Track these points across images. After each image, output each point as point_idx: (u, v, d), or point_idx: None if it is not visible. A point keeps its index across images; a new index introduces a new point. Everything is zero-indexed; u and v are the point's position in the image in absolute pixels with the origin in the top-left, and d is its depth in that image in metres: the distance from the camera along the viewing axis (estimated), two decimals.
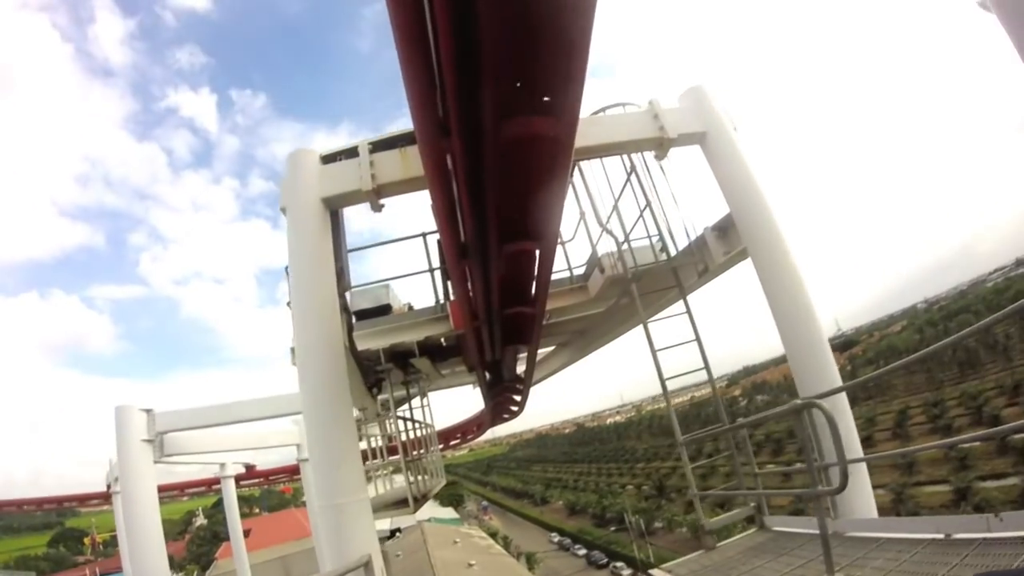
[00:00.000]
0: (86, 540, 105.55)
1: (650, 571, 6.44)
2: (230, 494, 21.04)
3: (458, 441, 30.57)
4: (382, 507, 8.70)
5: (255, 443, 19.06)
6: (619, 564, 56.46)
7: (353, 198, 7.39)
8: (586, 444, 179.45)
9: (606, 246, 8.75)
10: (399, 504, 8.64)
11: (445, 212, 4.73)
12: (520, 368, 12.64)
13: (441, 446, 27.09)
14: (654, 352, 7.84)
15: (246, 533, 60.12)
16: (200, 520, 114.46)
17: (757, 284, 7.61)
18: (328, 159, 7.59)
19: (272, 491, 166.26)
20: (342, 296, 7.51)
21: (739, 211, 7.78)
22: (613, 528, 65.49)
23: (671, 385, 8.22)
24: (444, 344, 9.79)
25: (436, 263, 8.97)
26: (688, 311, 8.11)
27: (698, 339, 8.02)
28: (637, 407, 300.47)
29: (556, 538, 77.93)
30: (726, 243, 8.33)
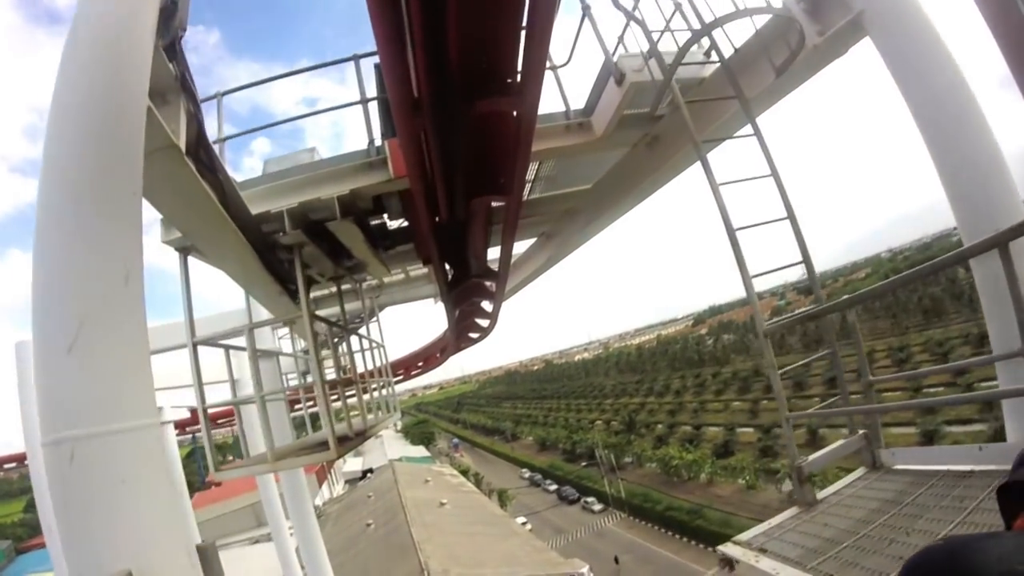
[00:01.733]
0: None
1: (722, 548, 4.46)
2: (170, 445, 17.72)
3: (419, 370, 25.61)
4: (293, 453, 6.08)
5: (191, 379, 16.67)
6: (590, 499, 57.05)
7: None
8: (555, 381, 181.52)
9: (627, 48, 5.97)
10: (317, 448, 5.68)
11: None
12: (491, 260, 9.21)
13: (400, 376, 25.18)
14: (716, 188, 5.39)
15: (219, 483, 59.63)
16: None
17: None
18: None
19: None
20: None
21: None
22: (584, 464, 65.96)
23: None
24: (387, 224, 7.39)
25: (370, 93, 6.12)
26: (758, 133, 5.52)
27: (775, 174, 5.50)
28: (604, 344, 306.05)
29: (527, 474, 78.75)
30: (821, 19, 5.20)
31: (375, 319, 11.22)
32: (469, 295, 10.46)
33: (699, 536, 40.62)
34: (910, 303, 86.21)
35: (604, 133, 6.16)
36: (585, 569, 35.99)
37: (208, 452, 4.75)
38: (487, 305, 12.92)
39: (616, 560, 42.24)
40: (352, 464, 78.59)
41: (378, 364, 9.64)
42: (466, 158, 4.70)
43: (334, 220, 5.65)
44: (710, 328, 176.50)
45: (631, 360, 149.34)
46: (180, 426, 23.21)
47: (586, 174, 8.51)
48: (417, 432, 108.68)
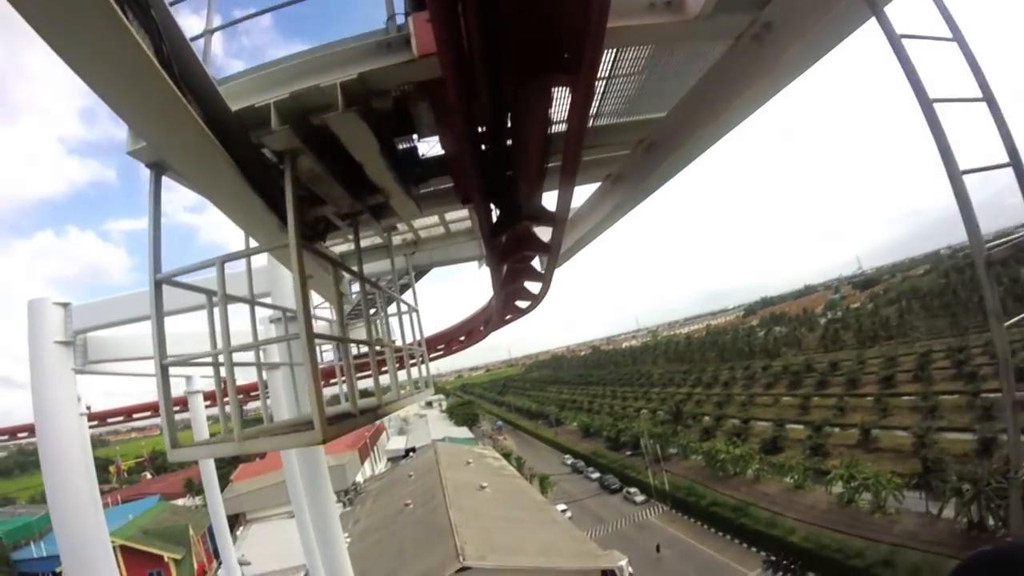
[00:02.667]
0: (111, 468, 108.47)
1: None
2: (198, 416, 17.23)
3: (461, 344, 22.30)
4: (267, 433, 4.75)
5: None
6: (632, 489, 56.29)
7: None
8: (601, 367, 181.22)
9: None
10: (300, 427, 4.32)
11: None
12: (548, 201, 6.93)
13: (440, 351, 23.96)
14: (897, 41, 4.24)
15: (262, 455, 60.94)
16: None
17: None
18: None
19: None
20: None
21: None
22: (628, 452, 65.15)
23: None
24: (417, 150, 5.76)
25: None
26: None
27: (960, 39, 4.32)
28: (653, 332, 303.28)
29: (569, 460, 78.27)
30: None
31: (406, 279, 10.53)
32: (519, 246, 8.52)
33: (743, 535, 39.61)
34: (970, 302, 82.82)
35: (701, 12, 4.48)
36: (624, 562, 35.43)
37: (165, 428, 3.99)
38: (539, 264, 10.99)
39: (658, 548, 42.12)
40: (396, 442, 79.68)
41: (410, 332, 8.78)
42: (518, 23, 3.49)
43: (334, 111, 4.11)
44: (761, 320, 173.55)
45: (679, 349, 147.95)
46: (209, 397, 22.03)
47: (667, 92, 6.25)
48: (461, 413, 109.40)
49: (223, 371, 4.28)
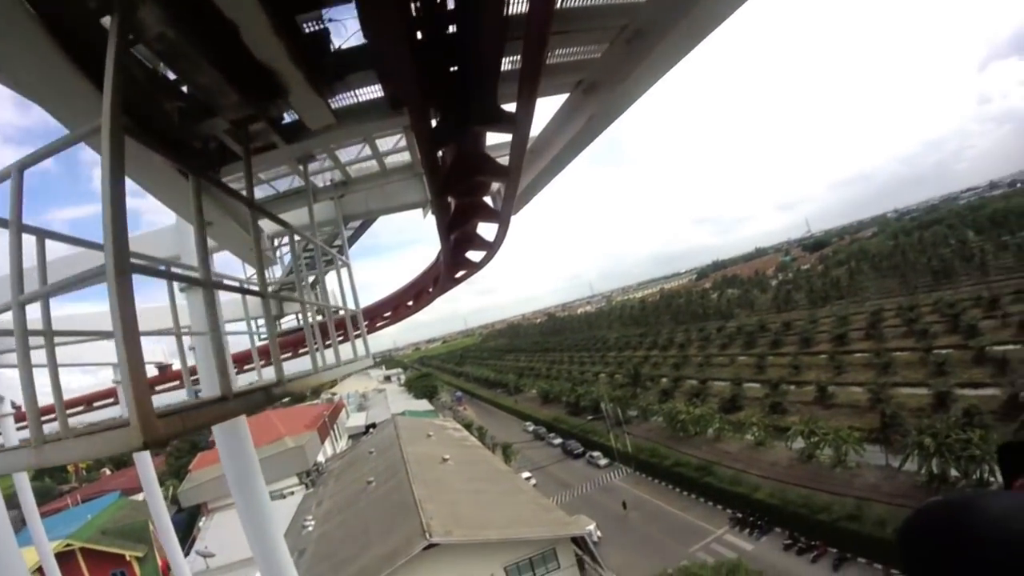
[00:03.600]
0: (70, 467, 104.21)
1: None
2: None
3: (409, 309, 18.92)
4: (74, 435, 2.67)
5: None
6: (595, 453, 56.21)
7: None
8: (557, 334, 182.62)
9: None
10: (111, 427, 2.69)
11: None
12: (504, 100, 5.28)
13: (387, 318, 21.67)
14: None
15: (215, 443, 59.40)
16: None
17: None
18: None
19: None
20: None
21: None
22: (590, 417, 65.04)
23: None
24: (328, 37, 4.13)
25: None
26: None
27: None
28: (607, 297, 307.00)
29: (531, 427, 78.15)
30: None
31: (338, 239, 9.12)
32: (469, 171, 6.64)
33: (708, 493, 39.70)
34: (919, 263, 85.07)
35: None
36: (592, 527, 35.37)
37: None
38: (494, 201, 9.16)
39: (624, 505, 42.46)
40: (356, 419, 78.54)
41: (342, 294, 7.53)
42: None
43: None
44: (714, 282, 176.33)
45: (634, 313, 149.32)
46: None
47: None
48: (420, 386, 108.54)
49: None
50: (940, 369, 46.73)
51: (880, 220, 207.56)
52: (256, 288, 4.60)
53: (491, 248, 11.35)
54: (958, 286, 70.42)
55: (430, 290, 17.76)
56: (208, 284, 3.12)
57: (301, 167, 6.51)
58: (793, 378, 59.54)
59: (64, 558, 31.55)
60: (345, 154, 7.69)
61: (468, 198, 8.17)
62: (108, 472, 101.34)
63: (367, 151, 7.73)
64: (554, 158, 7.84)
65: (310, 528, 30.06)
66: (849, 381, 52.79)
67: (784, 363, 65.13)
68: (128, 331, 2.12)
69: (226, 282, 5.10)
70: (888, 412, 39.06)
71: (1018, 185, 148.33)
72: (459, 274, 14.15)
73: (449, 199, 7.62)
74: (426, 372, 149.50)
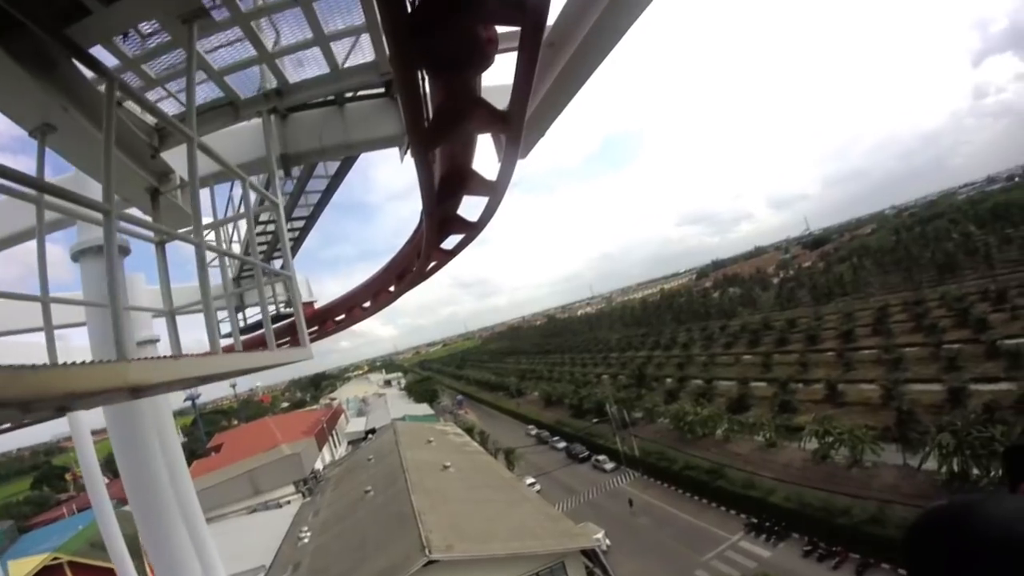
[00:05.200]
0: (68, 476, 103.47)
1: None
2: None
3: (391, 294, 15.43)
4: None
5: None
6: (601, 457, 54.80)
7: None
8: (558, 335, 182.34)
9: None
10: None
11: None
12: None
13: (367, 305, 16.85)
14: None
15: (217, 448, 57.72)
16: (180, 439, 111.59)
17: None
18: None
19: (250, 401, 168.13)
20: None
21: None
22: (595, 420, 63.51)
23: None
24: None
25: None
26: None
27: None
28: (607, 299, 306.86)
29: (534, 431, 76.98)
30: None
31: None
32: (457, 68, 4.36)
33: (721, 497, 38.26)
34: (922, 258, 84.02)
35: None
36: (601, 534, 33.98)
37: None
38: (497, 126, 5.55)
39: (630, 503, 41.84)
40: (355, 424, 77.29)
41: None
42: None
43: None
44: (714, 281, 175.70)
45: (635, 314, 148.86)
46: None
47: None
48: (421, 390, 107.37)
49: None
50: (952, 364, 45.49)
51: (878, 216, 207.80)
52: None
53: (481, 220, 8.97)
54: (963, 280, 69.46)
55: (414, 261, 13.18)
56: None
57: (186, 28, 4.01)
58: (801, 376, 58.24)
59: (51, 572, 30.90)
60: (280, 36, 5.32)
61: (461, 124, 5.23)
62: (107, 481, 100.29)
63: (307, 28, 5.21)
64: (578, 49, 5.34)
65: (306, 540, 28.75)
66: (859, 378, 51.53)
67: (791, 361, 64.10)
68: None
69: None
70: (904, 409, 37.79)
71: (1016, 179, 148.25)
72: (444, 240, 11.07)
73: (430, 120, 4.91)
74: (426, 376, 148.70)
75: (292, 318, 6.19)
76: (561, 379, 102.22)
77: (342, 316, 17.72)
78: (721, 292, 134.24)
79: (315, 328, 17.16)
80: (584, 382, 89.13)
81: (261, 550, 30.22)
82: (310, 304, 16.20)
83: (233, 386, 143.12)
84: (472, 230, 9.72)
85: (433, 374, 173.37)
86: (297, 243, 12.28)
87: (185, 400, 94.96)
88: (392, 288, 15.83)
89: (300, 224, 11.58)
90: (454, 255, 11.85)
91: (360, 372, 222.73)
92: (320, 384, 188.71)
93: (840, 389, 50.18)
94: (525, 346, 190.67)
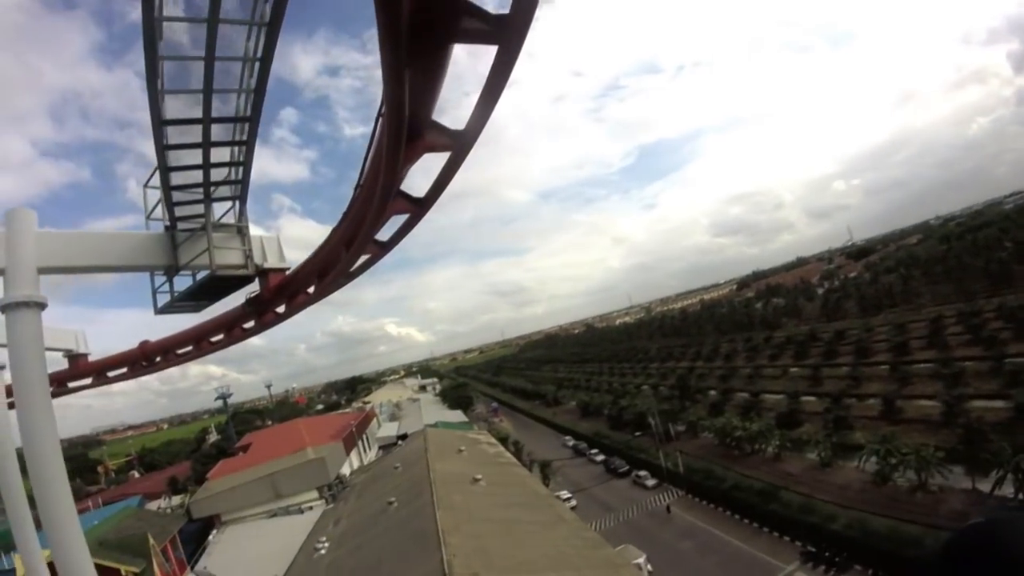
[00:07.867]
0: (100, 469, 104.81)
1: None
2: None
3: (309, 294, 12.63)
4: None
5: None
6: (642, 472, 52.07)
7: None
8: (596, 344, 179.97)
9: None
10: None
11: None
12: None
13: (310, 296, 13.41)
14: None
15: (245, 448, 56.77)
16: (213, 437, 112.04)
17: None
18: None
19: (286, 403, 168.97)
20: None
21: None
22: (638, 433, 60.68)
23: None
24: None
25: None
26: None
27: None
28: (646, 308, 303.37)
29: (570, 442, 74.84)
30: None
31: None
32: None
33: (773, 522, 35.46)
34: (974, 268, 79.50)
35: None
36: (642, 559, 31.40)
37: None
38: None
39: (668, 510, 41.47)
40: (387, 429, 75.82)
41: None
42: None
43: None
44: (757, 292, 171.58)
45: (675, 324, 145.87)
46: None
47: None
48: (455, 396, 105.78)
49: None
50: (1016, 379, 41.99)
51: (923, 227, 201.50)
52: None
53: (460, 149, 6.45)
54: (1020, 291, 64.85)
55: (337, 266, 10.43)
56: None
57: None
58: (853, 390, 55.10)
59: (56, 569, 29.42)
60: None
61: None
62: (136, 476, 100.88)
63: None
64: None
65: (323, 551, 26.90)
66: (917, 393, 48.20)
67: (841, 375, 60.97)
68: None
69: None
70: (972, 428, 34.66)
71: None
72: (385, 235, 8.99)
73: None
74: (462, 382, 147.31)
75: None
76: (599, 388, 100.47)
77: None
78: (764, 302, 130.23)
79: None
80: (623, 392, 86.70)
81: (275, 560, 28.60)
82: (281, 271, 11.40)
83: (268, 387, 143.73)
84: (420, 208, 7.73)
85: (468, 380, 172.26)
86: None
87: (216, 399, 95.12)
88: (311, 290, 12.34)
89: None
90: (391, 247, 9.55)
91: (396, 377, 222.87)
92: (356, 387, 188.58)
93: (897, 405, 46.88)
94: (562, 354, 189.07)
